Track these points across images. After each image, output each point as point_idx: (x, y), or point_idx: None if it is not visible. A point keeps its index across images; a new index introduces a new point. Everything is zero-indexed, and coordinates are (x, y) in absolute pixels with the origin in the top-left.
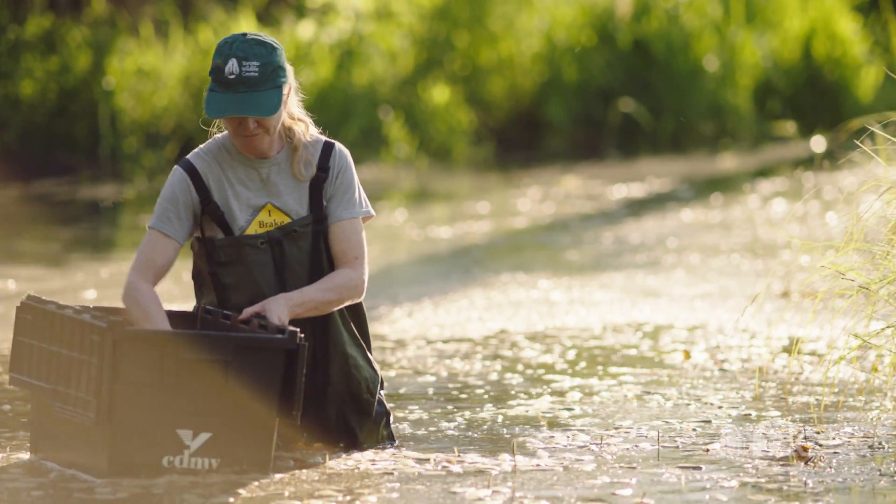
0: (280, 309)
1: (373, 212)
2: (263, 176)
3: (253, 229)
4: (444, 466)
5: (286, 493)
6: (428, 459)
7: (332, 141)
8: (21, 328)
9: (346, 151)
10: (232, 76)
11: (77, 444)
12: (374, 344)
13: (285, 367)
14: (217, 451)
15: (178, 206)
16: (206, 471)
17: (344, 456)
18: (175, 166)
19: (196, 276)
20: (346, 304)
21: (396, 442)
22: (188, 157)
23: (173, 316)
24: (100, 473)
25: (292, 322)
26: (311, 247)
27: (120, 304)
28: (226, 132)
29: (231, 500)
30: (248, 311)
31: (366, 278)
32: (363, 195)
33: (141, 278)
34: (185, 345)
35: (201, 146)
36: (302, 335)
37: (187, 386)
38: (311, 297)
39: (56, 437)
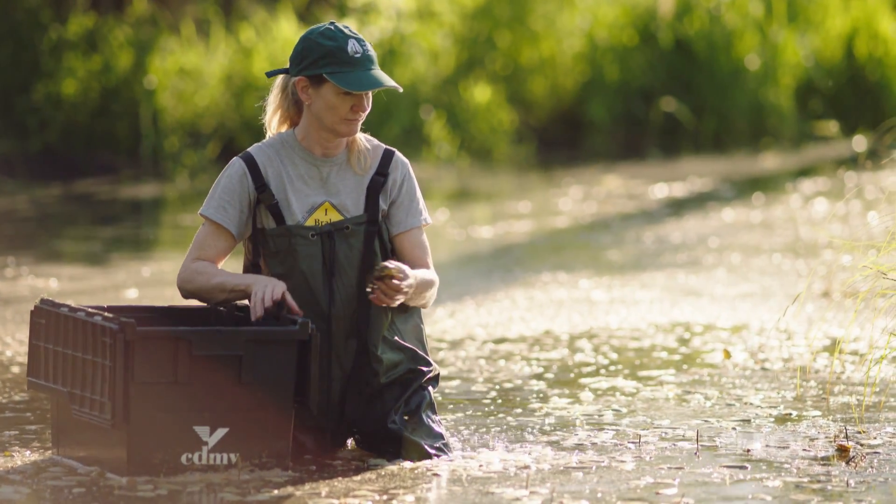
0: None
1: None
2: (324, 175)
3: (309, 225)
4: (481, 466)
5: (323, 493)
6: (466, 459)
7: (392, 149)
8: (36, 332)
9: (406, 160)
10: (357, 55)
11: (96, 442)
12: None
13: (299, 358)
14: (235, 445)
15: (234, 196)
16: (226, 466)
17: (381, 456)
18: (235, 157)
19: (245, 271)
20: (429, 301)
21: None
22: (249, 149)
23: (188, 312)
24: (119, 472)
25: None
26: (363, 247)
27: (141, 303)
28: (285, 132)
29: (267, 498)
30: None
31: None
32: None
33: (191, 262)
34: (196, 341)
35: (264, 140)
36: (313, 326)
37: (201, 382)
38: (422, 278)
39: (76, 435)
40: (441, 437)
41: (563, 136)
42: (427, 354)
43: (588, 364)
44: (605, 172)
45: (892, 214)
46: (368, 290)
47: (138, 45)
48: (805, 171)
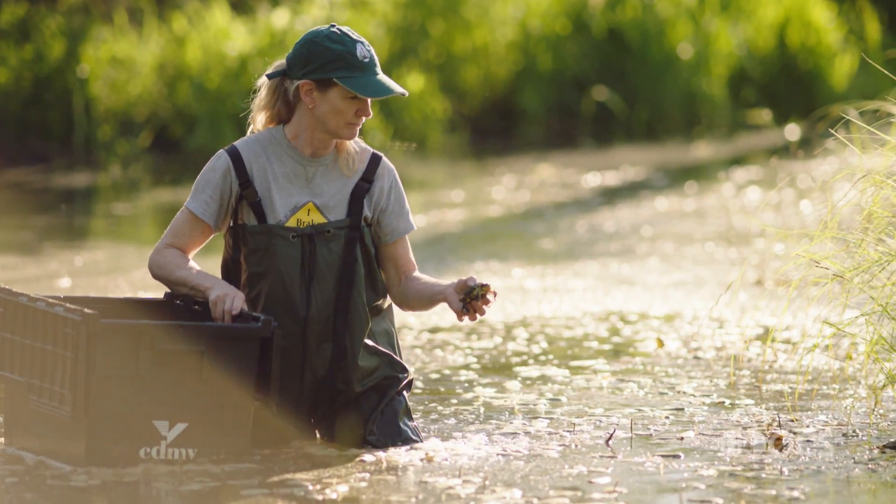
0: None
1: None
2: (309, 175)
3: (290, 225)
4: (415, 455)
5: (255, 482)
6: (399, 448)
7: (380, 154)
8: None
9: (392, 165)
10: (366, 59)
11: (53, 433)
12: None
13: (260, 356)
14: (194, 440)
15: (216, 190)
16: (184, 461)
17: (316, 445)
18: (221, 150)
19: (224, 264)
20: None
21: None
22: (236, 142)
23: (145, 303)
24: (77, 464)
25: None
26: (343, 251)
27: (91, 293)
28: (274, 128)
29: (200, 487)
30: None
31: None
32: None
33: (164, 247)
34: (159, 336)
35: (252, 134)
36: (276, 323)
37: (163, 377)
38: None
39: (30, 426)
40: (418, 443)
41: (496, 125)
42: (401, 359)
43: (522, 353)
44: (538, 161)
45: (825, 203)
46: (461, 309)
47: (71, 34)
48: (738, 160)
